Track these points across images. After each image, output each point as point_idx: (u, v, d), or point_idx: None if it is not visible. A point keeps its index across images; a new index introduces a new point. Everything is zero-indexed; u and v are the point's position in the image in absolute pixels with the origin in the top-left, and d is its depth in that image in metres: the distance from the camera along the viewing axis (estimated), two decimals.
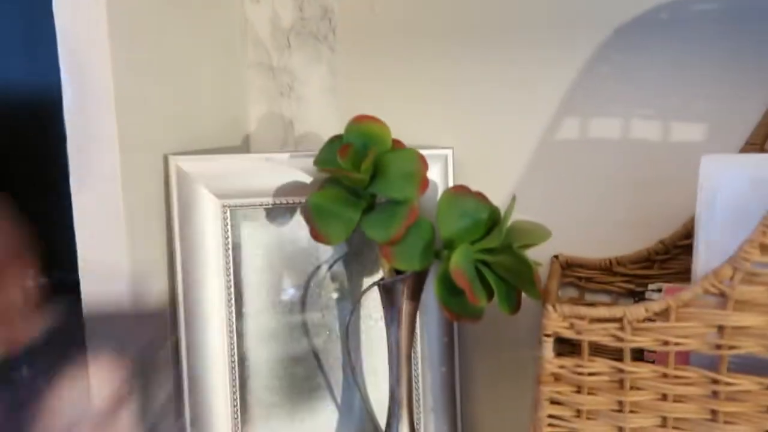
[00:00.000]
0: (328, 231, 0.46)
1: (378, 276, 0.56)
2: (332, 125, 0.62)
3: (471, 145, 0.57)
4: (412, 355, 0.52)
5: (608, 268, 0.54)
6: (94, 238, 0.49)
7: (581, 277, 0.56)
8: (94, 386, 0.45)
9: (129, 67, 0.47)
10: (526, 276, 0.43)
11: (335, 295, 0.56)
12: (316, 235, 0.46)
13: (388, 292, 0.47)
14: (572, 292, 0.57)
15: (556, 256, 0.55)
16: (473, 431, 0.59)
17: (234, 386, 0.53)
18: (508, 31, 0.56)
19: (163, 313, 0.52)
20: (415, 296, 0.47)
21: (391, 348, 0.49)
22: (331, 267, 0.56)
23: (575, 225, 0.55)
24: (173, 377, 0.53)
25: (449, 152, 0.54)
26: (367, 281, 0.56)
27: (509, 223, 0.44)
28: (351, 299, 0.56)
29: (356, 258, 0.56)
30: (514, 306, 0.45)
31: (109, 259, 0.49)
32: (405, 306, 0.47)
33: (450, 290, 0.43)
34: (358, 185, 0.46)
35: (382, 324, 0.56)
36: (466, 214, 0.45)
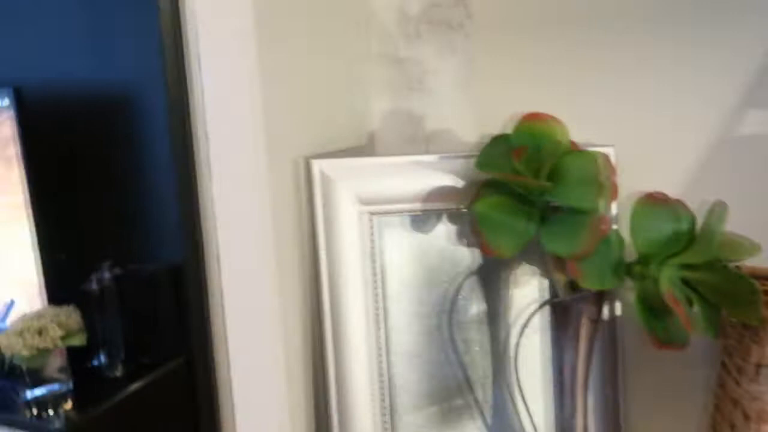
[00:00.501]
0: (500, 244, 0.41)
1: (532, 289, 0.51)
2: (467, 121, 0.57)
3: (634, 141, 0.50)
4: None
5: None
6: (237, 241, 0.46)
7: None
8: None
9: (272, 70, 0.43)
10: (741, 297, 0.37)
11: (484, 309, 0.51)
12: (486, 249, 0.41)
13: (565, 312, 0.42)
14: None
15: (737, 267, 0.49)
16: None
17: (382, 404, 0.49)
18: (679, 7, 0.49)
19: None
20: (597, 317, 0.42)
21: (565, 375, 0.44)
22: (478, 278, 0.51)
23: (760, 231, 0.49)
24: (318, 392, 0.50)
25: (611, 150, 0.48)
26: (519, 294, 0.51)
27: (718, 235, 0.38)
28: (501, 312, 0.51)
29: (506, 270, 0.51)
30: (718, 328, 0.40)
31: (253, 266, 0.46)
32: (585, 327, 0.42)
33: (652, 313, 0.38)
34: (534, 192, 0.41)
35: (533, 341, 0.51)
36: (663, 224, 0.39)
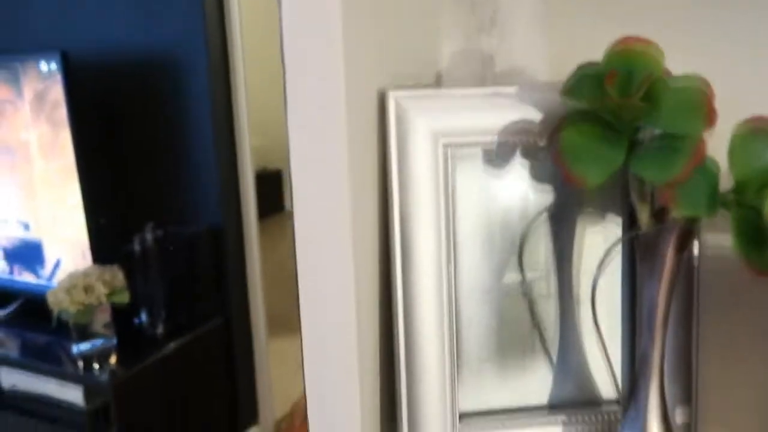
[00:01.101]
0: (585, 172, 0.40)
1: (605, 229, 0.50)
2: (539, 62, 0.56)
3: (728, 75, 0.48)
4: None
5: None
6: (313, 178, 0.46)
7: None
8: None
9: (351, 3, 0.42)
10: None
11: (554, 248, 0.51)
12: (571, 177, 0.41)
13: (649, 244, 0.41)
14: None
15: None
16: (707, 403, 0.53)
17: (451, 341, 0.49)
18: None
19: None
20: (682, 250, 0.41)
21: (647, 307, 0.43)
22: (548, 217, 0.50)
23: None
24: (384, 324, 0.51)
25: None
26: (592, 234, 0.50)
27: None
28: (570, 253, 0.50)
29: (578, 209, 0.50)
30: None
31: (328, 203, 0.46)
32: (669, 260, 0.41)
33: (750, 240, 0.37)
34: (626, 118, 0.39)
35: (604, 282, 0.51)
36: (764, 151, 0.38)
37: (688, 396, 0.50)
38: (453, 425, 0.50)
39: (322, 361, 0.49)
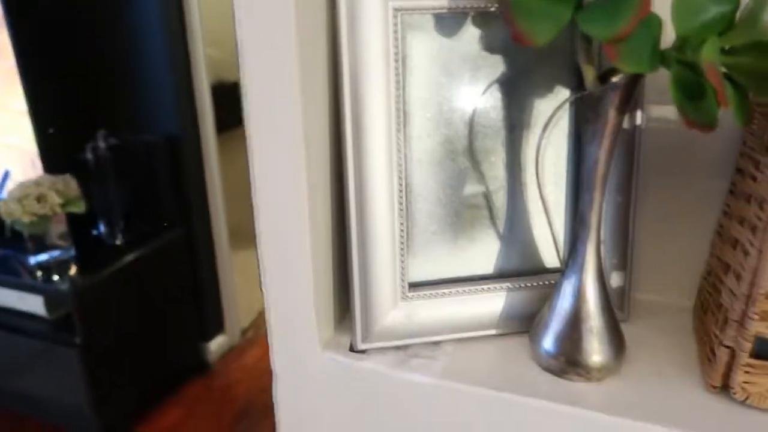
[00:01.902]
0: (533, 29, 0.40)
1: (552, 96, 0.51)
2: None
3: None
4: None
5: None
6: (258, 48, 0.44)
7: None
8: None
9: None
10: None
11: (504, 117, 0.51)
12: (518, 35, 0.40)
13: (593, 104, 0.42)
14: None
15: None
16: (642, 267, 0.57)
17: (399, 212, 0.50)
18: None
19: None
20: (624, 109, 0.42)
21: (588, 169, 0.44)
22: (499, 86, 0.50)
23: None
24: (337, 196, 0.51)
25: None
26: (539, 103, 0.51)
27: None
28: (521, 120, 0.51)
29: (527, 77, 0.50)
30: (749, 116, 0.40)
31: (276, 76, 0.44)
32: (612, 119, 0.42)
33: (686, 93, 0.38)
34: None
35: (548, 150, 0.52)
36: (706, 5, 0.38)
37: (624, 261, 0.53)
38: (403, 294, 0.52)
39: (275, 239, 0.50)
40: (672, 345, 0.51)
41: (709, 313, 0.48)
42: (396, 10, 0.46)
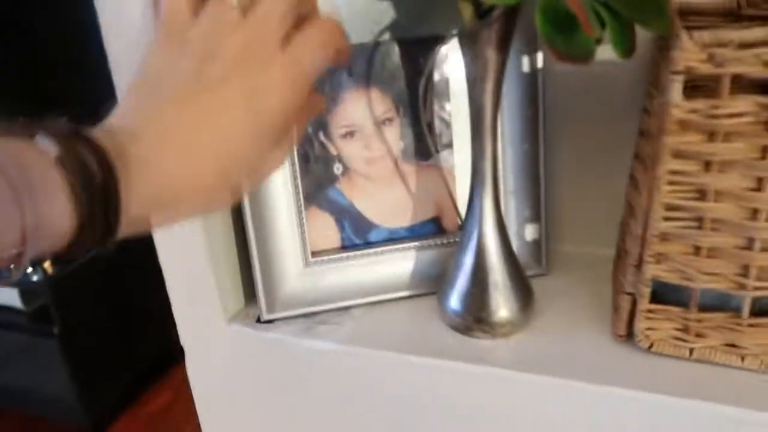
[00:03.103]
0: None
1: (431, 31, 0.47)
2: None
3: None
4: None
5: (734, 11, 0.44)
6: None
7: (695, 26, 0.46)
8: None
9: None
10: (649, 4, 0.34)
11: (398, 62, 0.48)
12: None
13: (471, 42, 0.39)
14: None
15: None
16: (557, 215, 0.54)
17: (295, 174, 0.48)
18: None
19: None
20: (504, 46, 0.39)
21: (474, 114, 0.42)
22: (394, 31, 0.47)
23: None
24: None
25: None
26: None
27: None
28: (418, 63, 0.48)
29: (419, 22, 0.47)
30: (630, 46, 0.37)
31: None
32: (491, 59, 0.39)
33: (555, 25, 0.35)
34: None
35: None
36: None
37: (536, 213, 0.51)
38: (305, 261, 0.50)
39: None
40: (588, 296, 0.49)
41: (620, 259, 0.46)
42: None
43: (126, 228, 0.27)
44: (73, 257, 0.27)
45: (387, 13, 0.46)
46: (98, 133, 0.26)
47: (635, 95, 0.48)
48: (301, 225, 0.49)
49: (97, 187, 0.25)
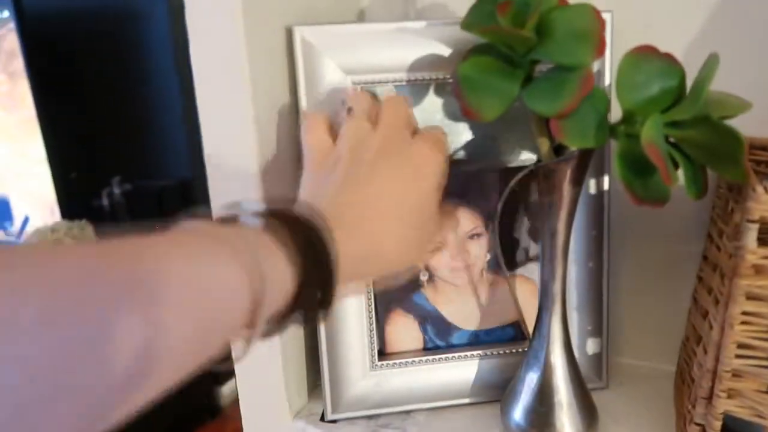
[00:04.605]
0: (481, 105, 0.40)
1: (520, 161, 0.50)
2: None
3: (631, 4, 0.48)
4: None
5: None
6: (221, 129, 0.45)
7: (760, 161, 0.48)
8: None
9: None
10: (727, 153, 0.36)
11: (491, 185, 0.51)
12: (467, 111, 0.40)
13: (547, 176, 0.42)
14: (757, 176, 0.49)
15: None
16: (619, 332, 0.55)
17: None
18: None
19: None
20: (579, 180, 0.42)
21: (546, 240, 0.44)
22: (466, 152, 0.50)
23: (757, 97, 0.47)
24: None
25: (608, 15, 0.46)
26: (507, 169, 0.50)
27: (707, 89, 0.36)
28: (490, 187, 0.51)
29: (495, 144, 0.50)
30: (702, 189, 0.39)
31: (236, 151, 0.45)
32: (567, 192, 0.42)
33: (633, 170, 0.37)
34: (519, 49, 0.39)
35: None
36: (651, 80, 0.38)
37: (599, 327, 0.52)
38: (372, 363, 0.51)
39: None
40: (650, 414, 0.49)
41: (685, 384, 0.46)
42: (355, 83, 0.47)
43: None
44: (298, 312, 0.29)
45: (482, 144, 0.49)
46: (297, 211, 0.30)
47: (699, 219, 0.50)
48: (370, 325, 0.51)
49: (314, 248, 0.28)
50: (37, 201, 2.09)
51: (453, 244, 0.50)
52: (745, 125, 0.43)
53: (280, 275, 0.26)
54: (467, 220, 0.50)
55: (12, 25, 1.60)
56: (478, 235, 0.50)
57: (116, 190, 1.95)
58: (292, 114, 0.48)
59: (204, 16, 0.44)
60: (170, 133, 2.01)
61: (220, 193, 0.47)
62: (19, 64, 1.73)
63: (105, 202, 1.96)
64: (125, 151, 2.08)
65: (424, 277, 0.51)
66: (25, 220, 2.06)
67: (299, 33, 0.45)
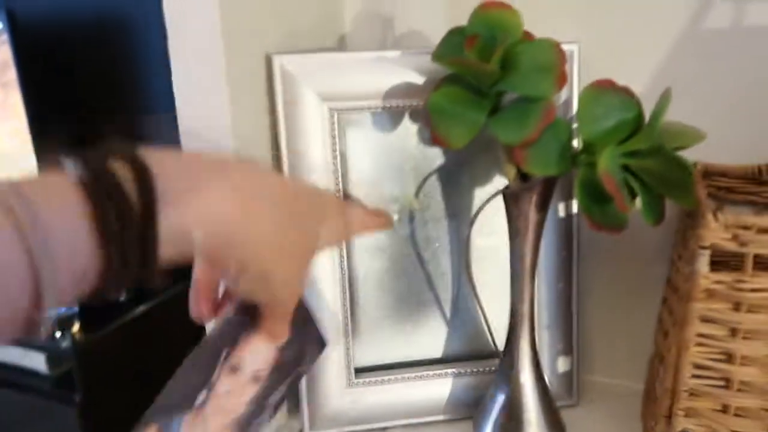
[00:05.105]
0: (449, 133, 0.42)
1: (491, 186, 0.52)
2: (438, 23, 0.56)
3: (599, 38, 0.50)
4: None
5: (755, 177, 0.48)
6: (201, 143, 0.47)
7: (721, 186, 0.50)
8: None
9: None
10: (679, 181, 0.38)
11: (444, 206, 0.53)
12: (436, 138, 0.42)
13: (513, 201, 0.43)
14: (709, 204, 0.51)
15: (694, 164, 0.49)
16: (588, 351, 0.57)
17: (344, 298, 0.51)
18: None
19: None
20: (544, 206, 0.43)
21: (515, 262, 0.45)
22: (440, 176, 0.52)
23: (716, 127, 0.49)
24: None
25: (575, 47, 0.48)
26: (478, 192, 0.52)
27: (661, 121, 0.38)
28: (461, 209, 0.53)
29: (467, 168, 0.52)
30: (659, 216, 0.41)
31: None
32: (532, 217, 0.43)
33: (592, 197, 0.39)
34: (485, 81, 0.41)
35: (492, 238, 0.53)
36: (610, 112, 0.39)
37: (569, 346, 0.53)
38: (349, 379, 0.53)
39: None
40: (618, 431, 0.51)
41: (650, 401, 0.48)
42: (332, 110, 0.49)
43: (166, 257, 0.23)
44: (107, 297, 0.23)
45: (455, 169, 0.51)
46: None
47: (666, 242, 0.52)
48: (347, 342, 0.52)
49: (133, 218, 0.21)
50: None
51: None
52: (705, 152, 0.45)
53: (78, 246, 0.21)
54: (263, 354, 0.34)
55: (5, 36, 1.62)
56: (260, 377, 0.34)
57: None
58: (272, 137, 0.49)
59: (185, 40, 0.45)
60: (164, 146, 2.02)
61: None
62: (11, 74, 1.75)
63: None
64: None
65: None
66: None
67: (278, 61, 0.47)
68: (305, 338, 0.35)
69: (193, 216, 0.24)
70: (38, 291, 0.20)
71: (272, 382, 0.35)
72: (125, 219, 0.21)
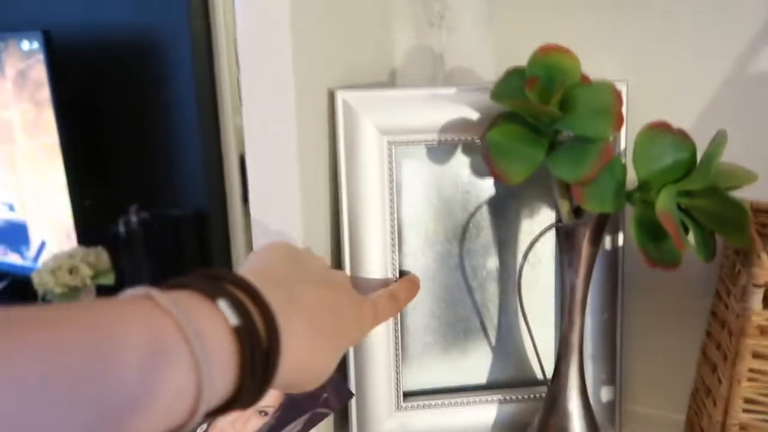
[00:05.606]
0: (508, 169, 0.44)
1: (538, 217, 0.54)
2: (487, 59, 0.59)
3: (649, 77, 0.52)
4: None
5: None
6: (266, 175, 0.49)
7: (765, 224, 0.51)
8: None
9: (302, 3, 0.45)
10: (734, 221, 0.39)
11: (494, 237, 0.54)
12: (495, 174, 0.44)
13: (567, 235, 0.45)
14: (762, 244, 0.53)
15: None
16: (632, 380, 0.58)
17: (395, 324, 0.53)
18: None
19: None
20: (596, 241, 0.45)
21: (566, 293, 0.47)
22: (489, 208, 0.54)
23: (760, 166, 0.51)
24: None
25: (624, 85, 0.50)
26: (525, 223, 0.54)
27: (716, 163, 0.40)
28: (508, 240, 0.54)
29: (514, 200, 0.54)
30: (711, 253, 0.42)
31: (281, 218, 0.49)
32: (585, 250, 0.45)
33: (648, 234, 0.41)
34: (544, 120, 0.43)
35: (543, 269, 0.54)
36: (665, 153, 0.41)
37: (613, 376, 0.54)
38: (398, 403, 0.54)
39: None
40: None
41: None
42: (390, 143, 0.51)
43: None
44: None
45: (504, 200, 0.53)
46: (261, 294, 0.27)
47: (707, 276, 0.53)
48: (397, 367, 0.54)
49: (261, 355, 0.25)
50: (54, 226, 2.14)
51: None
52: (752, 190, 0.46)
53: (225, 382, 0.24)
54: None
55: (41, 56, 1.67)
56: (266, 413, 0.43)
57: (133, 218, 1.99)
58: (331, 167, 0.52)
59: (256, 77, 0.48)
60: (188, 165, 2.06)
61: None
62: (45, 93, 1.80)
63: (122, 229, 2.01)
64: (143, 181, 2.14)
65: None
66: (42, 245, 2.10)
67: (340, 96, 0.50)
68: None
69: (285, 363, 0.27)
70: (197, 407, 0.23)
71: (281, 419, 0.36)
72: (258, 351, 0.25)
